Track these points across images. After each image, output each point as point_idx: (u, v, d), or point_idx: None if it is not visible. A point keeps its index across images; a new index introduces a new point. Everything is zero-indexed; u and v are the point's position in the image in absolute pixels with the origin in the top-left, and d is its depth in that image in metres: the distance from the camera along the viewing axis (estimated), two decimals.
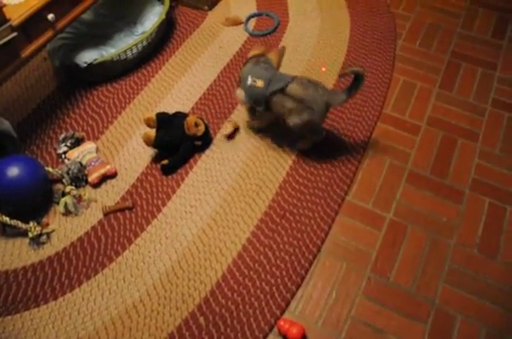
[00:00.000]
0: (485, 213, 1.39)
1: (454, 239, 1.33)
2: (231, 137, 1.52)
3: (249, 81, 1.33)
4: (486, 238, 1.33)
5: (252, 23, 1.94)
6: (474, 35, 1.93)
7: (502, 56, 1.83)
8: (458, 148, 1.55)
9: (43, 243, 1.27)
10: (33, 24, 1.33)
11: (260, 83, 1.31)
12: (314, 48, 1.84)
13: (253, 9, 1.99)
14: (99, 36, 1.80)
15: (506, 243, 1.32)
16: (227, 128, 1.52)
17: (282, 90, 1.30)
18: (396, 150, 1.53)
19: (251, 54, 1.44)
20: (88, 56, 1.62)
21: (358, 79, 1.26)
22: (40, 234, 1.27)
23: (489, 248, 1.31)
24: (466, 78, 1.77)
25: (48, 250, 1.26)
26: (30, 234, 1.25)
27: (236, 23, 1.94)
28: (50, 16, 1.36)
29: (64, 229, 1.30)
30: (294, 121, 1.34)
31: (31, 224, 1.27)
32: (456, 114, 1.64)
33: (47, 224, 1.30)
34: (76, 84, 1.70)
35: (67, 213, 1.32)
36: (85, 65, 1.60)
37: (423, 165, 1.50)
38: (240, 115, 1.59)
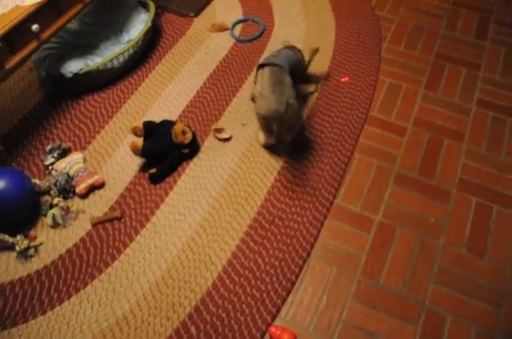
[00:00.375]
0: (472, 212, 1.40)
1: (442, 239, 1.34)
2: (227, 139, 1.54)
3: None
4: (474, 237, 1.35)
5: (238, 28, 1.95)
6: (458, 36, 1.96)
7: (485, 57, 1.86)
8: (445, 148, 1.57)
9: (31, 256, 1.27)
10: (17, 35, 1.33)
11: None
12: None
13: (239, 15, 2.01)
14: (85, 45, 1.80)
15: (494, 242, 1.34)
16: (225, 133, 1.54)
17: None
18: (383, 152, 1.55)
19: None
20: (73, 66, 1.62)
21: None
22: (28, 248, 1.26)
23: (478, 247, 1.33)
24: (451, 79, 1.79)
25: (36, 264, 1.26)
26: (17, 248, 1.25)
27: (222, 29, 1.95)
28: (34, 27, 1.36)
29: (52, 241, 1.30)
30: None
31: (18, 237, 1.26)
32: (441, 115, 1.67)
33: (35, 237, 1.30)
34: (63, 94, 1.70)
35: (55, 225, 1.32)
36: (71, 75, 1.60)
37: (410, 166, 1.51)
38: (227, 121, 1.60)
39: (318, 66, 1.80)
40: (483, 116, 1.67)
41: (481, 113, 1.67)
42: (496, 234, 1.36)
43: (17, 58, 1.37)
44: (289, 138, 1.45)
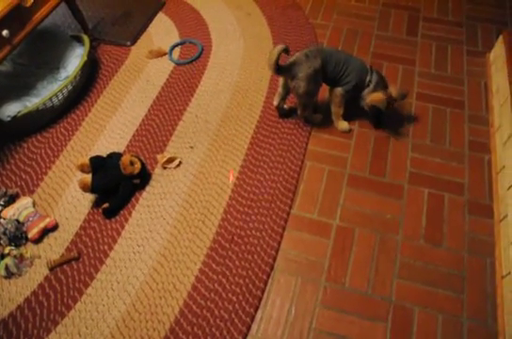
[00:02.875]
0: (425, 203, 1.51)
1: (400, 234, 1.44)
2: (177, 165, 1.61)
3: None
4: (430, 228, 1.45)
5: (177, 52, 2.05)
6: (391, 35, 2.12)
7: (418, 52, 2.02)
8: (392, 145, 1.68)
9: None
10: None
11: None
12: (241, 68, 1.96)
13: (176, 39, 2.11)
14: (20, 86, 1.85)
15: (449, 228, 1.44)
16: (172, 163, 1.60)
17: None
18: (333, 156, 1.65)
19: None
20: (11, 109, 1.66)
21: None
22: None
23: (434, 236, 1.43)
24: (389, 77, 1.91)
25: None
26: None
27: (160, 54, 2.04)
28: None
29: (8, 292, 1.32)
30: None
31: None
32: None
33: None
34: (2, 138, 1.73)
35: (9, 275, 1.33)
36: (8, 119, 1.64)
37: (360, 167, 1.62)
38: (175, 146, 1.67)
39: (260, 79, 1.90)
40: (424, 109, 1.80)
41: (421, 106, 1.81)
42: (450, 221, 1.46)
43: None
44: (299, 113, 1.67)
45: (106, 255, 1.38)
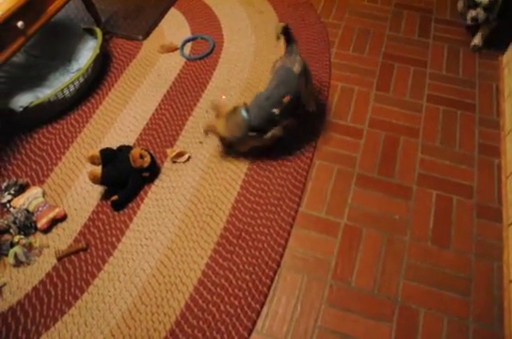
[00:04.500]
0: (433, 205, 1.51)
1: (408, 235, 1.43)
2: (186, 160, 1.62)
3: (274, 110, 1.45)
4: (437, 230, 1.44)
5: (188, 47, 2.05)
6: (402, 36, 2.11)
7: (430, 54, 2.01)
8: (401, 146, 1.68)
9: None
10: None
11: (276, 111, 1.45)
12: (252, 65, 1.96)
13: (187, 34, 2.11)
14: (33, 77, 1.86)
15: (457, 231, 1.44)
16: (182, 157, 1.60)
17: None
18: (342, 155, 1.64)
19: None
20: (23, 100, 1.67)
21: (287, 33, 1.54)
22: None
23: (442, 238, 1.42)
24: (400, 78, 1.93)
25: (0, 306, 1.28)
26: None
27: (172, 49, 2.05)
28: None
29: (17, 281, 1.33)
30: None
31: None
32: (395, 113, 1.79)
33: None
34: (15, 129, 1.74)
35: (18, 264, 1.34)
36: (20, 109, 1.65)
37: (369, 167, 1.61)
38: (185, 141, 1.67)
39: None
40: (434, 111, 1.79)
41: (432, 108, 1.80)
42: (458, 224, 1.46)
43: None
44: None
45: (114, 247, 1.39)
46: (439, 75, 1.93)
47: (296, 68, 1.50)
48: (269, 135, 1.49)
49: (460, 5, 2.15)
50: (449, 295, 1.30)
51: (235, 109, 1.45)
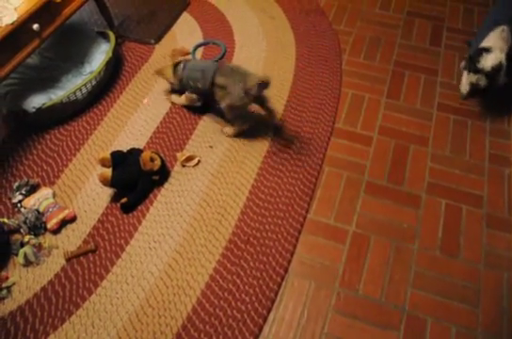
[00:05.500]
0: (443, 214, 1.52)
1: (416, 244, 1.45)
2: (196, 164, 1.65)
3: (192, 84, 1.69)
4: (446, 239, 1.46)
5: (200, 52, 2.09)
6: (414, 44, 2.14)
7: (441, 62, 2.04)
8: (411, 154, 1.70)
9: (4, 298, 1.31)
10: None
11: (199, 84, 1.66)
12: (263, 71, 1.99)
13: (199, 39, 2.15)
14: (46, 79, 1.90)
15: (466, 241, 1.45)
16: (192, 161, 1.63)
17: (213, 84, 1.62)
18: (352, 162, 1.67)
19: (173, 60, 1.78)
20: (36, 101, 1.71)
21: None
22: (0, 289, 1.31)
23: (451, 248, 1.43)
24: (411, 86, 1.95)
25: (9, 305, 1.30)
26: None
27: (183, 53, 2.08)
28: None
29: (26, 280, 1.35)
30: (222, 105, 1.64)
31: None
32: (405, 121, 1.81)
33: (6, 278, 1.35)
34: (27, 129, 1.78)
35: (27, 263, 1.37)
36: (33, 110, 1.69)
37: (379, 174, 1.63)
38: (195, 145, 1.70)
39: (281, 83, 1.93)
40: (444, 119, 1.81)
41: (442, 117, 1.82)
42: (467, 233, 1.47)
43: None
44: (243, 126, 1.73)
45: (122, 249, 1.41)
46: (450, 84, 1.95)
47: (239, 86, 1.55)
48: (187, 94, 1.76)
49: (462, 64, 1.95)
50: (457, 305, 1.31)
51: (179, 62, 1.75)
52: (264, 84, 1.51)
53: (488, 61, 1.62)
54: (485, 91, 1.80)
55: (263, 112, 1.73)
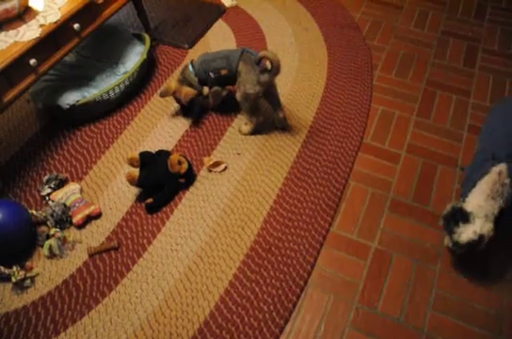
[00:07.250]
0: None
1: (439, 265, 1.47)
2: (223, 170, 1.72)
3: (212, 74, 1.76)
4: (470, 263, 1.47)
5: None
6: (447, 64, 2.18)
7: (474, 84, 2.08)
8: (438, 174, 1.73)
9: (27, 287, 1.38)
10: (15, 69, 1.50)
11: (223, 71, 1.72)
12: (294, 81, 2.06)
13: (232, 46, 2.23)
14: (81, 77, 2.00)
15: (491, 267, 1.46)
16: (218, 167, 1.70)
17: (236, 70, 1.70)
18: (378, 179, 1.70)
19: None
20: (70, 98, 1.80)
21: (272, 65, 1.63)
22: (24, 279, 1.37)
23: (475, 272, 1.45)
24: (442, 106, 1.99)
25: (32, 295, 1.37)
26: (13, 279, 1.36)
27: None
28: (32, 61, 1.54)
29: (49, 272, 1.42)
30: (237, 95, 1.72)
31: (14, 268, 1.38)
32: (434, 141, 1.84)
33: (31, 268, 1.41)
34: (59, 125, 1.87)
35: (51, 256, 1.44)
36: (67, 107, 1.78)
37: (405, 192, 1.67)
38: (222, 151, 1.77)
39: (312, 95, 1.99)
40: (474, 142, 1.84)
41: (472, 139, 1.85)
42: (491, 259, 1.48)
43: (15, 92, 1.54)
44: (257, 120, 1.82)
45: (144, 249, 1.47)
46: (482, 106, 1.98)
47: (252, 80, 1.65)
48: (205, 89, 1.85)
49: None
50: (479, 331, 1.32)
51: (185, 67, 1.81)
52: (275, 69, 1.60)
53: (463, 236, 1.31)
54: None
55: (276, 114, 1.80)
